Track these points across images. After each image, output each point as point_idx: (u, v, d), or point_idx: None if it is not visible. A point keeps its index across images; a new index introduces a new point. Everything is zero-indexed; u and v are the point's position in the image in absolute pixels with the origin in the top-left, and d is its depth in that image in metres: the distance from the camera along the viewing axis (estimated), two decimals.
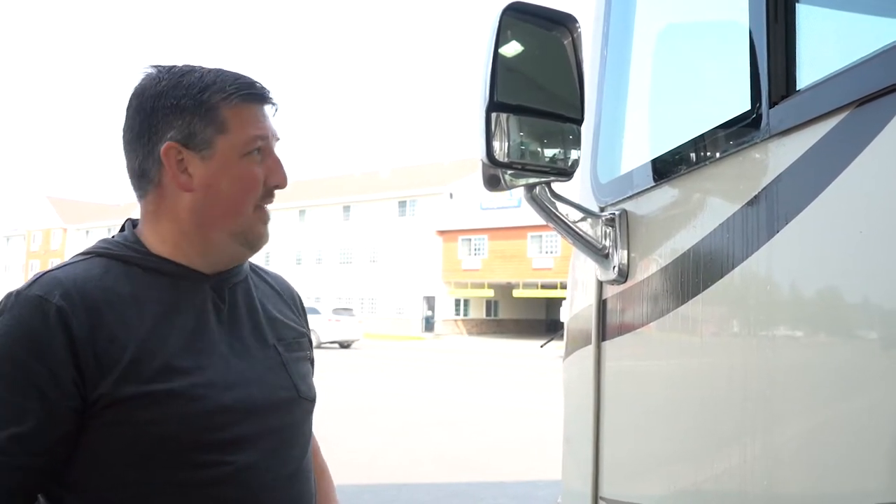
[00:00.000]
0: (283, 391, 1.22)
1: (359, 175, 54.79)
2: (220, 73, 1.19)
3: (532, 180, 1.29)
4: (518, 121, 1.24)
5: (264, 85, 1.22)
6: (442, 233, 43.88)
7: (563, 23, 1.31)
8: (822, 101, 0.85)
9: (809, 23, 1.01)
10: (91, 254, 1.18)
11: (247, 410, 1.15)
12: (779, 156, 0.94)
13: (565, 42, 1.31)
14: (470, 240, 43.45)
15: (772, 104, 0.94)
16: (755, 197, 0.98)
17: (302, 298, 1.43)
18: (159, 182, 1.18)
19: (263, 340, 1.24)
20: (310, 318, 1.46)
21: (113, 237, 1.22)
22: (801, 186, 0.89)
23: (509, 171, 1.25)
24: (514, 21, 1.26)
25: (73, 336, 1.05)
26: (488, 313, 47.02)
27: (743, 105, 1.01)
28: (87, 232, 68.89)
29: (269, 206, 1.23)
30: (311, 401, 1.29)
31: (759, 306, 0.98)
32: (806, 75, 0.93)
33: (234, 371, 1.17)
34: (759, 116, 0.96)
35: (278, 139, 1.24)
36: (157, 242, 1.19)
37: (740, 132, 1.02)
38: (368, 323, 44.34)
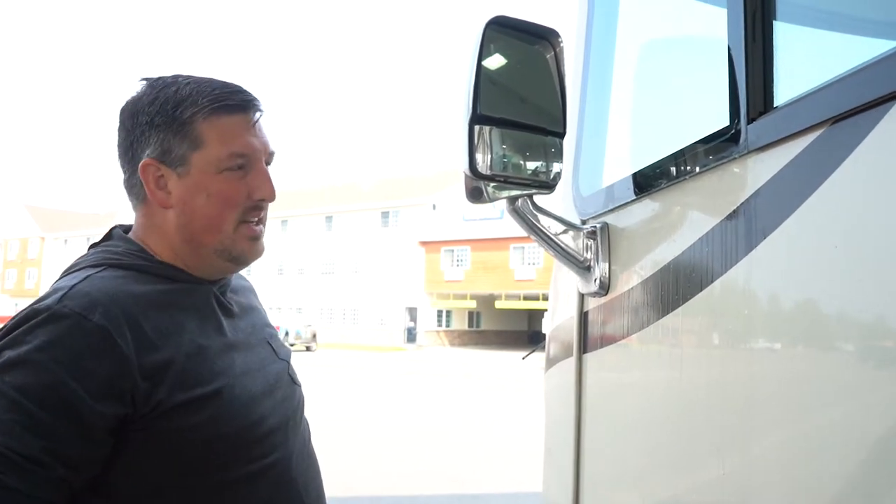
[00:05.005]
0: (285, 380, 1.28)
1: (341, 186, 54.72)
2: (198, 85, 1.16)
3: (514, 193, 1.30)
4: (501, 133, 1.25)
5: (247, 92, 1.19)
6: (425, 244, 43.86)
7: (546, 37, 1.32)
8: (798, 117, 0.87)
9: (787, 40, 1.03)
10: (103, 265, 1.13)
11: (272, 405, 1.19)
12: (757, 171, 0.95)
13: (548, 56, 1.32)
14: (452, 251, 43.46)
15: (750, 120, 0.96)
16: (734, 211, 0.99)
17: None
18: (145, 198, 1.17)
19: (258, 335, 1.27)
20: None
21: (107, 247, 1.19)
22: (778, 201, 0.90)
23: (492, 184, 1.26)
24: (497, 35, 1.27)
25: (122, 354, 1.03)
26: (470, 324, 46.99)
27: (722, 121, 1.02)
28: (66, 241, 67.98)
29: (254, 221, 1.20)
30: (300, 386, 1.35)
31: (738, 319, 0.99)
32: (783, 92, 0.94)
33: (250, 366, 1.19)
34: (738, 132, 0.98)
35: (271, 150, 1.21)
36: (161, 250, 1.18)
37: (719, 147, 1.03)
38: (350, 333, 44.06)
